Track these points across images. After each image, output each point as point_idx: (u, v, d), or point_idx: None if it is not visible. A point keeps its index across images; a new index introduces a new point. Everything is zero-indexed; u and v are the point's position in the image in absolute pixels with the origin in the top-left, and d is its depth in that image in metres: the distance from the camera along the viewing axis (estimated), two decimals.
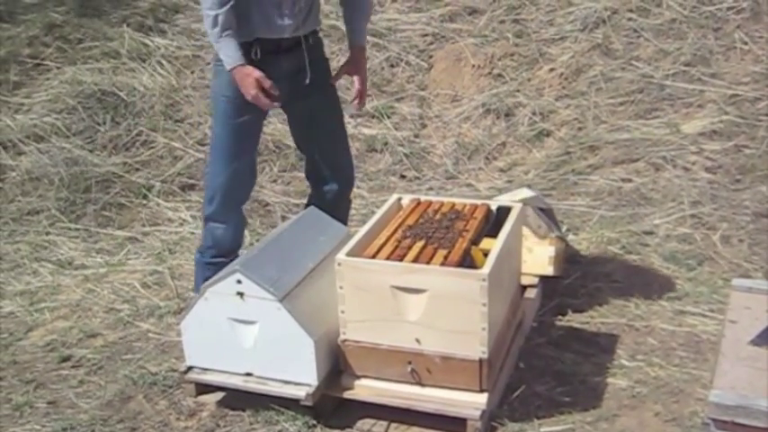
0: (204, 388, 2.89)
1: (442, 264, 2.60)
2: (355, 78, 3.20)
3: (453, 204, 3.04)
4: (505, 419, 2.68)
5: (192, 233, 4.25)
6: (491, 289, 2.49)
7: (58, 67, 5.42)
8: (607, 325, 3.22)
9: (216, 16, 2.86)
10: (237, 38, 2.92)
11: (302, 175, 3.60)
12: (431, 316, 2.55)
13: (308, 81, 3.08)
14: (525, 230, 3.27)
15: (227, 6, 2.86)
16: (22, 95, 5.27)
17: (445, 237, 2.77)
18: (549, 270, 3.41)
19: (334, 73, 3.26)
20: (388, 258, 2.65)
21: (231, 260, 3.17)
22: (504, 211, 2.98)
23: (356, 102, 3.22)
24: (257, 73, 2.91)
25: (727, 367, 2.34)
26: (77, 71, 5.30)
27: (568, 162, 4.33)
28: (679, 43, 4.66)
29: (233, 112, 3.08)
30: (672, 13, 4.79)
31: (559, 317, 3.27)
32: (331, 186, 3.30)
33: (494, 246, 2.68)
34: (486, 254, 2.66)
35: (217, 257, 3.23)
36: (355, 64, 3.21)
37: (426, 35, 5.18)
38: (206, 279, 3.09)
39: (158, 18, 5.80)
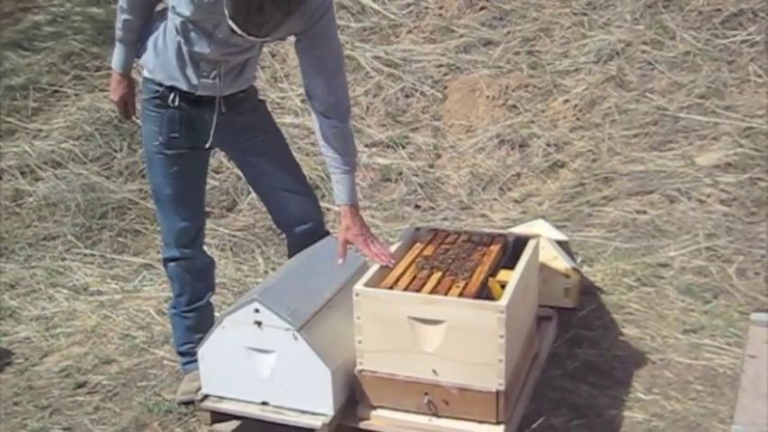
0: (220, 416, 2.87)
1: (460, 295, 2.61)
2: (356, 246, 2.85)
3: (470, 235, 3.05)
4: None
5: None
6: (509, 321, 2.49)
7: (76, 95, 5.48)
8: (622, 357, 3.21)
9: (124, 20, 2.80)
10: (133, 51, 2.86)
11: None
12: (448, 347, 2.55)
13: (245, 138, 2.90)
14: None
15: (132, 17, 2.78)
16: (41, 122, 5.32)
17: (463, 268, 2.78)
18: (564, 302, 3.42)
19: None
20: (405, 289, 2.66)
21: (207, 302, 3.10)
22: (520, 243, 3.00)
23: (383, 265, 2.79)
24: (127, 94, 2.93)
25: (748, 402, 2.33)
26: (95, 98, 5.35)
27: (583, 193, 4.34)
28: (693, 76, 4.68)
29: (171, 162, 2.86)
30: (686, 46, 4.81)
31: (575, 349, 3.27)
32: (304, 226, 3.05)
33: (511, 277, 2.69)
34: (503, 285, 2.67)
35: (192, 303, 3.05)
36: (349, 228, 2.82)
37: (441, 66, 5.21)
38: (188, 328, 3.06)
39: None
